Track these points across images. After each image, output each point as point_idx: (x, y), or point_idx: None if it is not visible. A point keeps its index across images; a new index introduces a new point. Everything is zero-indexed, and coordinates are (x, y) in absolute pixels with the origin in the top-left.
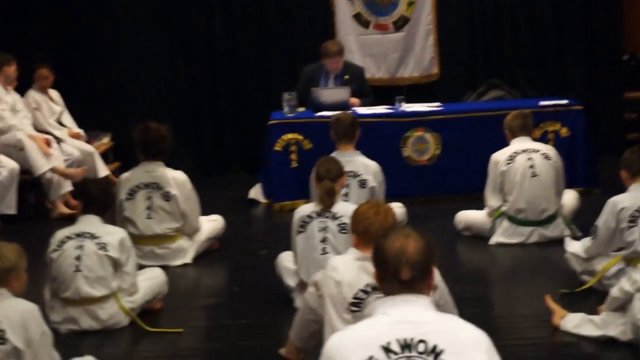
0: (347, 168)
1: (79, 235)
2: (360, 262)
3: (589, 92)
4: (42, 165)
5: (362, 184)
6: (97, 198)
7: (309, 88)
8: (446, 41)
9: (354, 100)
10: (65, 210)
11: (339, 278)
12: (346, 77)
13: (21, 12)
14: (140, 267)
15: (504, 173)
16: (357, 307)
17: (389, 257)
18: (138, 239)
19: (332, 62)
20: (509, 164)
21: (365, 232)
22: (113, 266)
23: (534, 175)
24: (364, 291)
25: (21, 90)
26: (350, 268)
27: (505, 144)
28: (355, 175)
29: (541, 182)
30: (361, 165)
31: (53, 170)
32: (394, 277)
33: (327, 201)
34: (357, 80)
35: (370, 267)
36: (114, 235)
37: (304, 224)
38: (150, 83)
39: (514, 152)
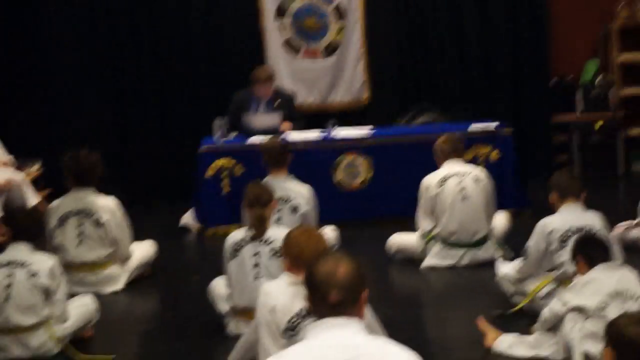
0: (279, 193)
1: (8, 263)
2: (293, 286)
3: (518, 115)
4: None
5: (294, 209)
6: (26, 226)
7: (240, 114)
8: (376, 66)
9: (286, 125)
10: None
11: (272, 303)
12: (277, 102)
13: None
14: (72, 294)
15: (435, 196)
16: (292, 332)
17: (318, 280)
18: (69, 267)
19: (263, 89)
20: (440, 187)
21: (298, 257)
22: (44, 294)
23: (464, 198)
24: (299, 315)
25: None
26: (283, 293)
27: (436, 167)
28: (287, 200)
29: (472, 204)
30: (293, 191)
31: None
32: (323, 300)
33: (259, 228)
34: (287, 107)
35: (304, 291)
36: (44, 262)
37: (237, 249)
38: (80, 109)
39: (445, 176)
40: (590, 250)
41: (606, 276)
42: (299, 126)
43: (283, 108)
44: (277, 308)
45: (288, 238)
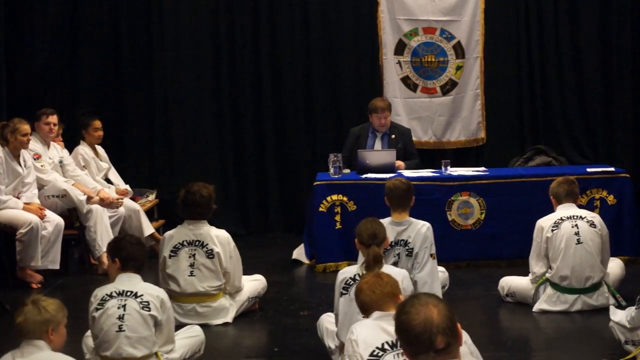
0: (400, 237)
1: (120, 293)
2: (378, 320)
3: (638, 159)
4: (84, 197)
5: (409, 252)
6: (135, 255)
7: (356, 149)
8: (494, 106)
9: (400, 163)
10: None
11: (354, 337)
12: (393, 136)
13: (68, 70)
14: (181, 325)
15: (549, 239)
16: None
17: (419, 331)
18: (180, 297)
19: (380, 118)
20: (554, 230)
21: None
22: (155, 326)
23: (578, 242)
24: (381, 349)
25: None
26: (367, 327)
27: (550, 210)
28: (405, 243)
29: (586, 249)
30: (413, 233)
31: (95, 200)
32: (429, 349)
33: (374, 267)
34: (403, 141)
35: (388, 325)
36: (155, 294)
37: (347, 286)
38: (197, 141)
39: (559, 219)
40: None
41: None
42: (414, 163)
43: (398, 142)
44: (358, 341)
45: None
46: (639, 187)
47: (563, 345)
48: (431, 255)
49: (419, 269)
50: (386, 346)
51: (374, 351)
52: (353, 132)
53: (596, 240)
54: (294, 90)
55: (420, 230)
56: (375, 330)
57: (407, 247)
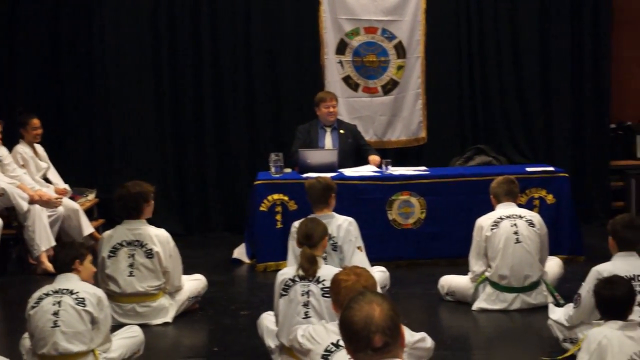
0: None
1: (56, 292)
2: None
3: (576, 159)
4: (24, 199)
5: (334, 247)
6: (63, 258)
7: (307, 145)
8: (435, 106)
9: (376, 158)
10: (49, 266)
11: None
12: (342, 131)
13: (7, 69)
14: (121, 325)
15: (488, 238)
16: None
17: (358, 328)
18: (119, 297)
19: (329, 107)
20: (493, 229)
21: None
22: (91, 322)
23: (517, 241)
24: (335, 344)
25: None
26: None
27: (490, 209)
28: (329, 237)
29: (525, 248)
30: (334, 228)
31: (35, 199)
32: (367, 347)
33: (308, 269)
34: (353, 136)
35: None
36: (91, 292)
37: (287, 287)
38: (137, 140)
39: (499, 218)
40: None
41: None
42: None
43: (349, 137)
44: (314, 335)
45: (335, 281)
46: (578, 187)
47: (502, 344)
48: (358, 247)
49: (347, 262)
50: (340, 342)
51: (328, 346)
52: (302, 128)
53: (535, 239)
54: (235, 89)
55: (342, 224)
56: (329, 332)
57: (332, 242)
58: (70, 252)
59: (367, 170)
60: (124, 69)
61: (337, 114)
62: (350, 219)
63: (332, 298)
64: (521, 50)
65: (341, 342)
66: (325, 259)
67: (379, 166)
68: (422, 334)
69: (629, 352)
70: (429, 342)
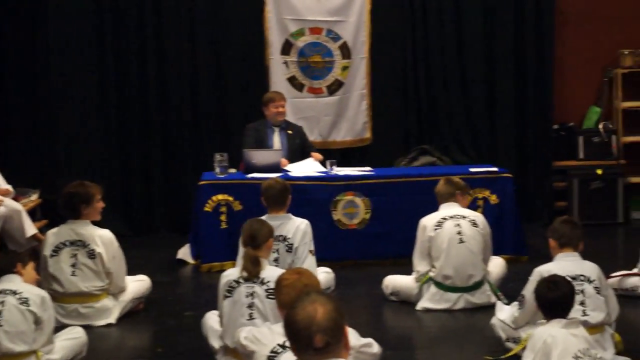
0: (277, 232)
1: (0, 292)
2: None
3: (519, 160)
4: None
5: (289, 248)
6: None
7: (257, 144)
8: (380, 106)
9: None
10: None
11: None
12: (290, 132)
13: None
14: (64, 325)
15: (432, 238)
16: None
17: (300, 327)
18: (62, 297)
19: (277, 107)
20: (436, 229)
21: (282, 300)
22: (34, 322)
23: (461, 241)
24: (282, 345)
25: None
26: (269, 332)
27: (435, 209)
28: (284, 239)
29: (468, 248)
30: (291, 229)
31: None
32: (309, 347)
33: (252, 270)
34: (300, 137)
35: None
36: (35, 292)
37: (231, 288)
38: (81, 140)
39: (442, 218)
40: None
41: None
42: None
43: (296, 138)
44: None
45: (279, 282)
46: (521, 187)
47: (446, 343)
48: (310, 251)
49: (299, 265)
50: (287, 344)
51: (274, 348)
52: (251, 127)
53: (478, 239)
54: (180, 89)
55: (299, 226)
56: (274, 333)
57: (286, 243)
58: (12, 256)
59: (310, 165)
60: (67, 68)
61: (285, 114)
62: (306, 221)
63: (276, 299)
64: (465, 51)
65: (287, 343)
66: (276, 260)
67: (323, 164)
68: (370, 340)
69: (574, 350)
70: (375, 348)
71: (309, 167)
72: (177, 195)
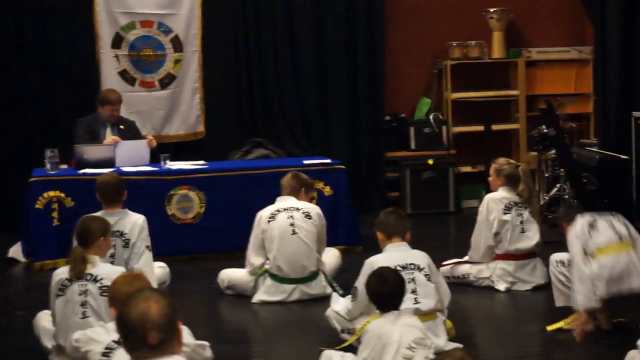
0: (114, 228)
1: None
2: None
3: (352, 151)
4: None
5: (126, 243)
6: None
7: (90, 139)
8: (213, 99)
9: (115, 138)
10: None
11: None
12: (122, 127)
13: None
14: None
15: (265, 231)
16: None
17: (134, 325)
18: None
19: (113, 110)
20: (270, 221)
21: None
22: None
23: (294, 232)
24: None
25: None
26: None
27: (270, 202)
28: (121, 234)
29: (301, 239)
30: (128, 224)
31: None
32: (143, 344)
33: (75, 268)
34: (132, 132)
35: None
36: None
37: (63, 287)
38: None
39: (277, 210)
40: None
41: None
42: None
43: (130, 132)
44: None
45: (113, 286)
46: (354, 178)
47: (282, 336)
48: (147, 247)
49: (136, 260)
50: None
51: (108, 344)
52: (84, 121)
53: (312, 230)
54: (6, 84)
55: (137, 221)
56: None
57: (123, 238)
58: None
59: (139, 147)
60: None
61: (118, 116)
62: (143, 216)
63: (107, 296)
64: (297, 43)
65: None
66: (113, 256)
67: (157, 158)
68: (205, 342)
69: (408, 340)
70: (208, 353)
71: (137, 152)
72: (5, 192)
